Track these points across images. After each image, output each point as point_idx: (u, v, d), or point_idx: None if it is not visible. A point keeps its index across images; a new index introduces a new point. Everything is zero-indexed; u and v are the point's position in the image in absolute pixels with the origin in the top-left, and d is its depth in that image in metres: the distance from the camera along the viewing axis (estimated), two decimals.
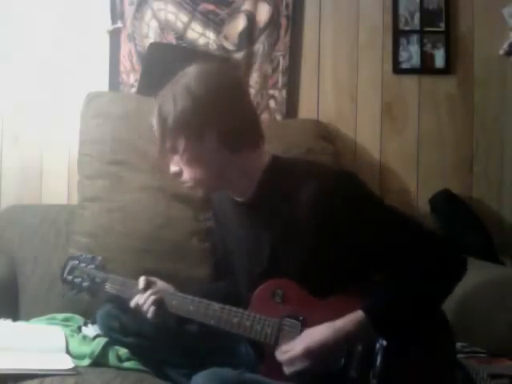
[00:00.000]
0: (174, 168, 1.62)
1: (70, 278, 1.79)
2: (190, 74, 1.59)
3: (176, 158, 1.59)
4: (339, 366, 1.48)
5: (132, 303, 1.68)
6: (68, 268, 1.80)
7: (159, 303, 1.65)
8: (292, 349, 1.49)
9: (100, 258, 1.79)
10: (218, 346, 1.76)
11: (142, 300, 1.66)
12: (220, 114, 1.54)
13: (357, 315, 1.47)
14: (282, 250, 1.58)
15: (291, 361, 1.48)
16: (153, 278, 1.72)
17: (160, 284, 1.72)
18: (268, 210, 1.60)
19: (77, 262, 1.80)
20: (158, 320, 1.66)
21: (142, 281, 1.70)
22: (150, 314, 1.65)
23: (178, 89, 1.56)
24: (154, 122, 1.60)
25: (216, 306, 1.59)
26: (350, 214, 1.51)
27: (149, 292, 1.67)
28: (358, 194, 1.55)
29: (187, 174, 1.60)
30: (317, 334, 1.48)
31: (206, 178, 1.59)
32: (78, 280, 1.78)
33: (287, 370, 1.49)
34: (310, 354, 1.47)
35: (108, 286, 1.74)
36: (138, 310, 1.67)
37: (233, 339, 1.73)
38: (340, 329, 1.47)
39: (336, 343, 1.47)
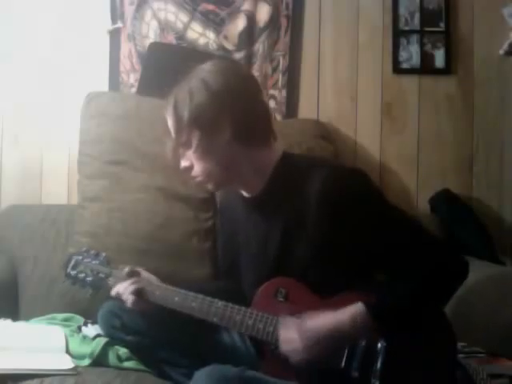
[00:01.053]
0: (184, 163, 1.62)
1: (73, 272, 1.78)
2: (206, 69, 1.60)
3: (188, 152, 1.60)
4: (341, 366, 1.48)
5: (112, 292, 1.70)
6: (72, 263, 1.79)
7: (139, 293, 1.66)
8: (293, 340, 1.49)
9: (104, 254, 1.79)
10: (219, 344, 1.76)
11: (122, 288, 1.68)
12: (235, 108, 1.55)
13: (357, 307, 1.47)
14: (289, 247, 1.59)
15: (287, 341, 1.49)
16: (138, 269, 1.74)
17: (145, 274, 1.73)
18: (277, 207, 1.60)
19: (81, 257, 1.80)
20: (138, 309, 1.67)
21: (126, 273, 1.72)
22: (129, 303, 1.66)
23: (193, 83, 1.57)
24: (169, 115, 1.60)
25: (219, 303, 1.59)
26: (358, 211, 1.51)
27: (129, 281, 1.68)
28: (367, 192, 1.55)
29: (198, 168, 1.60)
30: (315, 318, 1.49)
31: (218, 172, 1.60)
32: (81, 275, 1.77)
33: (283, 349, 1.50)
34: (304, 336, 1.47)
35: (112, 281, 1.73)
36: (119, 299, 1.69)
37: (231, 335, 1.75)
38: (340, 318, 1.47)
39: (334, 332, 1.47)
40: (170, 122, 1.60)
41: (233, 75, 1.61)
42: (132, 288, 1.67)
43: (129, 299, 1.67)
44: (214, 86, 1.56)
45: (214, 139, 1.56)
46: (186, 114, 1.55)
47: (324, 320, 1.48)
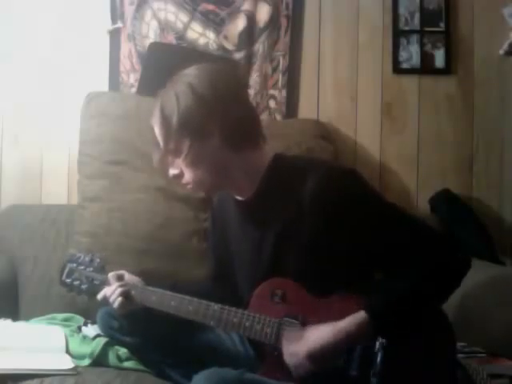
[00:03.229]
0: (173, 171, 1.61)
1: (68, 280, 1.79)
2: (192, 73, 1.59)
3: (177, 160, 1.58)
4: (339, 365, 1.48)
5: (99, 296, 1.71)
6: (66, 271, 1.79)
7: (126, 295, 1.68)
8: (296, 353, 1.49)
9: (98, 259, 1.79)
10: (218, 346, 1.76)
11: (110, 291, 1.69)
12: (223, 113, 1.54)
13: (358, 316, 1.47)
14: (283, 249, 1.58)
15: (296, 366, 1.49)
16: (120, 272, 1.75)
17: (128, 277, 1.74)
18: (270, 209, 1.60)
19: (75, 264, 1.79)
20: (124, 311, 1.69)
21: (111, 277, 1.73)
22: (116, 305, 1.68)
23: (180, 88, 1.55)
24: (156, 123, 1.59)
25: (215, 306, 1.59)
26: (351, 211, 1.51)
27: (116, 284, 1.70)
28: (360, 192, 1.54)
29: (189, 176, 1.59)
30: (318, 336, 1.48)
31: (209, 179, 1.59)
32: (76, 283, 1.77)
33: (294, 373, 1.50)
34: (312, 357, 1.47)
35: None
36: (106, 302, 1.70)
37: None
38: (342, 330, 1.47)
39: (337, 345, 1.47)
40: (158, 130, 1.58)
41: (218, 79, 1.58)
42: (119, 291, 1.68)
43: (116, 301, 1.67)
44: (200, 89, 1.54)
45: (204, 145, 1.55)
46: (174, 120, 1.53)
47: (326, 332, 1.48)
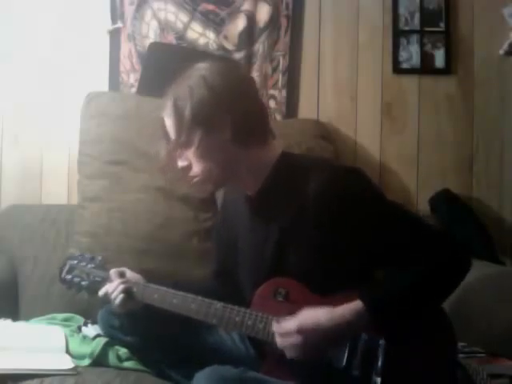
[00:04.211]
0: (182, 163, 1.61)
1: (68, 277, 1.78)
2: (204, 68, 1.60)
3: (187, 152, 1.59)
4: (341, 365, 1.48)
5: (101, 292, 1.71)
6: (67, 268, 1.79)
7: (128, 291, 1.67)
8: (287, 329, 1.48)
9: (100, 257, 1.79)
10: (219, 344, 1.76)
11: (112, 288, 1.69)
12: (235, 107, 1.55)
13: (355, 304, 1.47)
14: (286, 248, 1.58)
15: (284, 334, 1.49)
16: (122, 269, 1.75)
17: (129, 274, 1.74)
18: (275, 206, 1.60)
19: (75, 261, 1.79)
20: (125, 309, 1.68)
21: (113, 273, 1.72)
22: (117, 301, 1.67)
23: (193, 80, 1.57)
24: (168, 114, 1.59)
25: (218, 304, 1.58)
26: (356, 210, 1.51)
27: (118, 281, 1.69)
28: (365, 191, 1.55)
29: (198, 168, 1.59)
30: (312, 313, 1.49)
31: (216, 172, 1.59)
32: (76, 279, 1.77)
33: (279, 343, 1.49)
34: (302, 330, 1.46)
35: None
36: (107, 299, 1.69)
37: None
38: (338, 314, 1.47)
39: (332, 328, 1.46)
40: (170, 122, 1.59)
41: (231, 75, 1.61)
42: (121, 287, 1.68)
43: (118, 298, 1.67)
44: (213, 82, 1.56)
45: (215, 138, 1.56)
46: (187, 111, 1.54)
47: (322, 315, 1.48)
